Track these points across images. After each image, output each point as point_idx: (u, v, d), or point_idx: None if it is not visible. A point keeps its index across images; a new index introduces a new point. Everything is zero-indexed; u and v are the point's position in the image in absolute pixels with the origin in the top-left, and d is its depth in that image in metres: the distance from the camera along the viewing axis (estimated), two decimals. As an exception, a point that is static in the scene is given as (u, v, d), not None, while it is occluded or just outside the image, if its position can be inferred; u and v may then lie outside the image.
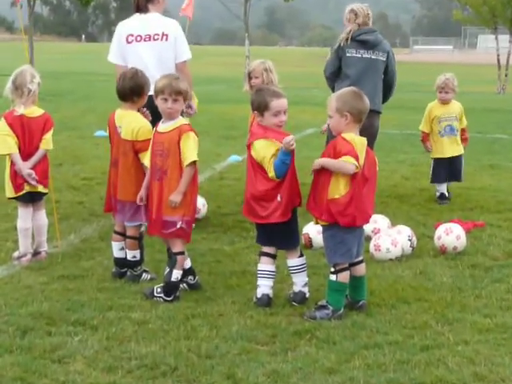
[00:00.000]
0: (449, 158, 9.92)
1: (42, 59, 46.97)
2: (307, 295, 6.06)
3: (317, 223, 5.92)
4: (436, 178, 10.02)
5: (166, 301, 6.00)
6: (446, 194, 9.88)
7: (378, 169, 5.91)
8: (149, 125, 6.40)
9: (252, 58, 39.54)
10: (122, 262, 6.62)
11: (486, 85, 40.26)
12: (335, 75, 9.22)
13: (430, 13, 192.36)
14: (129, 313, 5.74)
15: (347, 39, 9.03)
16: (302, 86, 31.52)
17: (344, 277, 5.77)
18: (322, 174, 5.68)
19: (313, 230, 7.62)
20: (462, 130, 10.06)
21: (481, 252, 7.55)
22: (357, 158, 5.57)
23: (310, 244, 7.65)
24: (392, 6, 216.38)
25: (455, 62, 73.44)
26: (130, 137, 6.36)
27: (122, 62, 7.92)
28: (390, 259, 7.21)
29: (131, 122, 6.39)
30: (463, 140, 10.07)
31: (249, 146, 5.91)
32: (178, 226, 6.02)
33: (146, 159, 6.21)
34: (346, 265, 5.77)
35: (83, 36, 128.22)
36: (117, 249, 6.66)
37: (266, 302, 5.95)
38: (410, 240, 7.44)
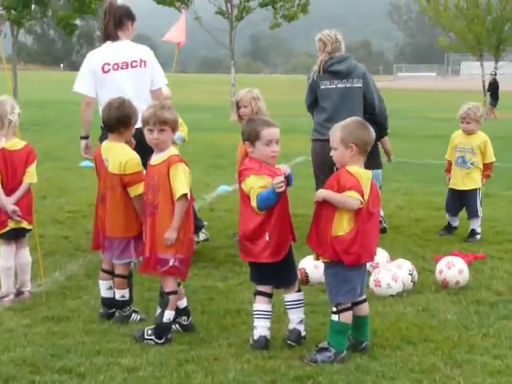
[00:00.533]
0: (460, 190, 9.47)
1: (26, 88, 46.72)
2: (303, 334, 5.74)
3: (317, 259, 5.61)
4: (447, 208, 9.68)
5: (157, 343, 5.66)
6: (454, 225, 9.53)
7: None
8: (137, 157, 6.08)
9: (238, 85, 39.43)
10: (110, 302, 6.27)
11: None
12: (312, 107, 9.09)
13: (413, 40, 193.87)
14: (118, 358, 5.39)
15: (319, 71, 8.84)
16: (289, 113, 31.33)
17: (347, 317, 5.44)
18: (325, 207, 5.37)
19: (309, 265, 7.31)
20: (485, 166, 9.44)
21: (484, 286, 7.24)
22: (362, 193, 5.28)
23: (306, 280, 7.33)
24: (375, 34, 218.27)
25: (439, 88, 73.80)
26: (118, 170, 6.04)
27: (93, 94, 7.72)
28: (391, 295, 6.90)
29: (118, 154, 6.07)
30: (484, 176, 9.47)
31: (240, 182, 5.60)
32: (171, 264, 5.70)
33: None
34: (349, 304, 5.45)
35: (61, 65, 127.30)
36: (104, 288, 6.32)
37: (264, 344, 5.62)
38: (410, 274, 7.14)
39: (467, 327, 6.09)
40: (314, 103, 9.04)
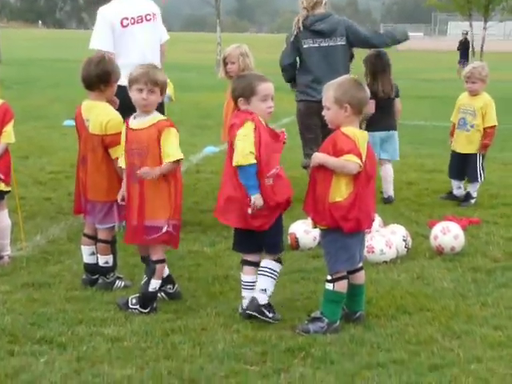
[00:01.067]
0: (461, 153, 9.12)
1: (9, 46, 45.96)
2: (262, 302, 5.29)
3: (315, 227, 5.34)
4: (449, 172, 9.36)
5: (142, 313, 5.41)
6: (455, 193, 9.22)
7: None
8: (119, 117, 5.75)
9: (223, 44, 38.89)
10: (92, 268, 6.01)
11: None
12: (293, 67, 8.78)
13: None
14: (101, 328, 5.14)
15: (299, 29, 8.55)
16: (276, 71, 30.85)
17: (342, 286, 5.19)
18: (322, 172, 5.08)
19: (300, 230, 7.08)
20: (484, 131, 8.98)
21: (480, 252, 7.02)
22: (360, 156, 5.00)
23: (296, 245, 7.09)
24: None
25: (426, 48, 73.26)
26: (99, 131, 5.73)
27: (113, 50, 7.39)
28: (385, 261, 6.67)
29: (99, 114, 5.76)
30: (482, 145, 9.01)
31: (233, 135, 5.26)
32: (164, 231, 5.41)
33: (121, 161, 5.57)
34: (345, 273, 5.20)
35: (40, 22, 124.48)
36: (87, 253, 6.05)
37: (252, 308, 5.33)
38: (404, 241, 6.91)
39: (464, 296, 5.87)
40: (294, 63, 8.76)
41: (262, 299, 5.28)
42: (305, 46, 8.59)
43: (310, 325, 5.16)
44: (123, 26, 7.46)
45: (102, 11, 7.56)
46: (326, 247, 5.25)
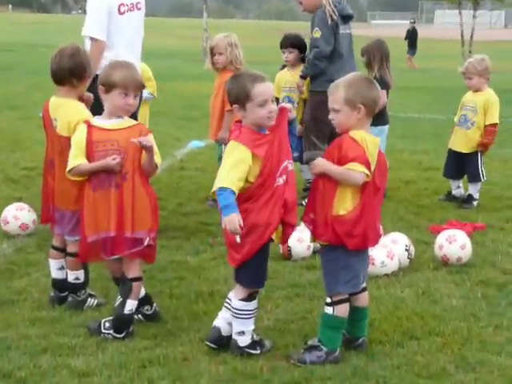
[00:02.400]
0: (460, 152, 8.52)
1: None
2: (241, 344, 4.61)
3: (314, 241, 4.73)
4: (445, 171, 8.75)
5: (116, 338, 4.78)
6: (454, 193, 8.62)
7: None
8: (90, 116, 5.08)
9: (210, 30, 38.17)
10: (61, 285, 5.36)
11: (449, 60, 39.31)
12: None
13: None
14: (68, 358, 4.51)
15: (334, 13, 7.91)
16: (262, 60, 30.23)
17: (343, 310, 4.57)
18: (325, 181, 4.46)
19: (292, 238, 6.43)
20: (485, 129, 8.37)
21: (488, 263, 6.43)
22: (368, 165, 4.37)
23: (289, 254, 6.48)
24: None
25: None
26: (67, 132, 5.06)
27: (106, 39, 6.73)
28: (386, 274, 6.07)
29: (68, 113, 5.09)
30: (482, 143, 8.40)
31: None
32: (146, 244, 4.80)
33: (76, 161, 4.87)
34: (346, 295, 4.58)
35: (10, 6, 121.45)
36: (55, 268, 5.41)
37: (213, 337, 4.70)
38: (407, 250, 6.30)
39: (476, 316, 5.27)
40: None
41: (242, 341, 4.62)
42: (341, 32, 8.00)
43: (307, 354, 4.55)
44: (120, 13, 6.78)
45: None
46: (326, 266, 4.63)
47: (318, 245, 6.42)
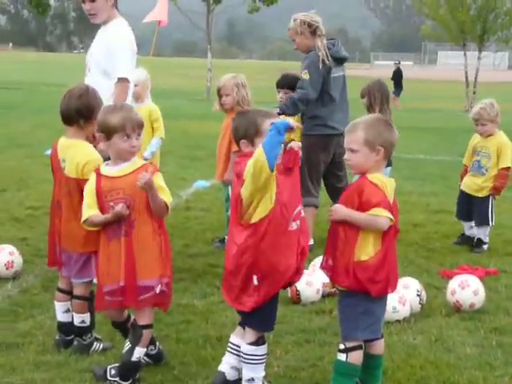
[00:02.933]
0: (471, 195, 8.43)
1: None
2: None
3: (333, 287, 4.62)
4: (457, 212, 8.66)
5: None
6: (468, 234, 8.49)
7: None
8: (99, 158, 4.98)
9: (214, 70, 38.36)
10: (67, 328, 5.25)
11: (453, 101, 39.43)
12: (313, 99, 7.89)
13: (390, 28, 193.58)
14: (74, 405, 4.39)
15: (327, 57, 7.86)
16: (268, 100, 30.26)
17: (357, 357, 4.44)
18: (346, 227, 4.36)
19: (301, 281, 6.29)
20: (499, 173, 8.26)
21: (502, 310, 6.30)
22: (390, 209, 4.29)
23: (298, 299, 6.36)
24: (351, 22, 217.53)
25: (417, 77, 72.99)
26: (75, 173, 4.99)
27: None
28: (397, 320, 5.94)
29: (77, 154, 5.01)
30: (494, 187, 8.31)
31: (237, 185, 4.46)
32: (158, 291, 4.67)
33: (88, 212, 4.75)
34: (361, 341, 4.45)
35: (10, 44, 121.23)
36: (61, 311, 5.29)
37: (218, 382, 4.61)
38: (419, 296, 6.18)
39: (491, 365, 5.14)
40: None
41: None
42: (333, 76, 7.93)
43: (319, 404, 4.43)
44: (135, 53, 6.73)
45: (127, 32, 6.65)
46: (345, 311, 4.48)
47: (327, 289, 6.36)
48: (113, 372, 4.70)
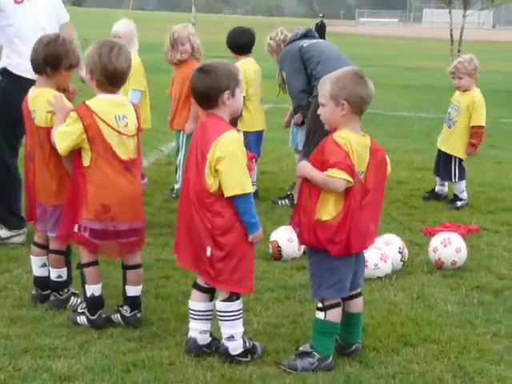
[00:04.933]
0: (441, 150, 8.49)
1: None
2: (232, 352, 4.41)
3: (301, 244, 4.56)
4: (434, 169, 8.70)
5: (89, 321, 4.79)
6: (436, 190, 8.53)
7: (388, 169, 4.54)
8: (69, 106, 4.86)
9: (198, 24, 37.95)
10: (43, 283, 5.16)
11: (438, 60, 39.22)
12: (307, 91, 7.78)
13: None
14: (49, 361, 4.32)
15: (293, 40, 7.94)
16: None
17: (335, 315, 4.39)
18: (309, 184, 4.29)
19: (282, 238, 6.29)
20: (472, 131, 8.23)
21: (483, 267, 6.27)
22: (350, 169, 4.17)
23: (279, 254, 6.30)
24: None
25: (402, 35, 72.67)
26: (45, 123, 4.87)
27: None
28: (379, 277, 5.89)
29: (46, 103, 4.87)
30: (469, 144, 8.25)
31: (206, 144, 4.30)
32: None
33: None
34: (338, 299, 4.39)
35: None
36: (37, 265, 5.19)
37: (192, 349, 4.48)
38: (400, 253, 6.13)
39: (472, 323, 5.10)
40: (307, 86, 7.79)
41: (233, 348, 4.42)
42: (305, 45, 7.83)
43: (298, 360, 4.37)
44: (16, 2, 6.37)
45: None
46: (311, 269, 4.45)
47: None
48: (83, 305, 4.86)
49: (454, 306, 5.39)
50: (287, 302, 5.37)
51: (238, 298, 4.43)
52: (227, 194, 4.21)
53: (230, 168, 4.18)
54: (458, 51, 36.25)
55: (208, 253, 4.29)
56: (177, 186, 8.04)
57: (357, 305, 4.53)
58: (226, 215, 4.26)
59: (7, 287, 5.42)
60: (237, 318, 4.44)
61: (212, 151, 4.20)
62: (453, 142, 8.32)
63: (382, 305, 5.35)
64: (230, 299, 4.39)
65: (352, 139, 4.23)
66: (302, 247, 6.31)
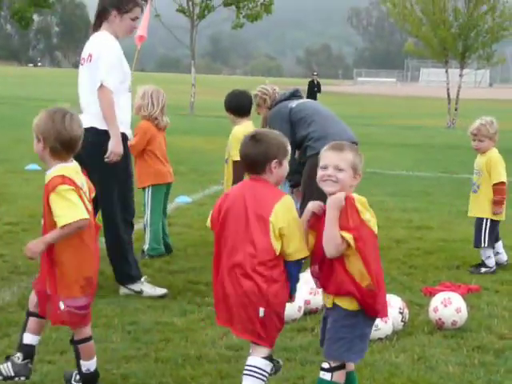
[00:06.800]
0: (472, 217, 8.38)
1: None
2: None
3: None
4: None
5: None
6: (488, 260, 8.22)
7: None
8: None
9: (198, 85, 38.41)
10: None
11: (435, 118, 39.62)
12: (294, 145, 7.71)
13: (372, 46, 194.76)
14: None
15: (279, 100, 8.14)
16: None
17: (340, 377, 4.35)
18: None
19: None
20: (494, 189, 8.08)
21: (484, 327, 6.24)
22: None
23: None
24: (335, 39, 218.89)
25: (400, 94, 73.43)
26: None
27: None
28: (379, 338, 5.87)
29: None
30: (493, 202, 8.07)
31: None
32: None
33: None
34: (344, 361, 4.38)
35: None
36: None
37: None
38: (401, 313, 6.11)
39: (474, 385, 5.08)
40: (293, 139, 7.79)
41: None
42: (294, 106, 7.96)
43: (301, 425, 4.34)
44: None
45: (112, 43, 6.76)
46: (341, 332, 4.32)
47: (309, 306, 6.29)
48: (77, 378, 4.74)
49: (455, 367, 5.36)
50: (288, 365, 5.33)
51: (272, 361, 4.51)
52: (296, 257, 4.35)
53: (296, 232, 4.33)
54: (455, 109, 36.68)
55: (261, 313, 4.34)
56: (146, 247, 8.15)
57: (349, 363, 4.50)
58: (283, 277, 4.40)
59: (6, 352, 5.38)
60: (265, 380, 4.43)
61: (275, 214, 4.31)
62: (480, 205, 8.19)
63: (383, 367, 5.32)
64: (269, 358, 4.45)
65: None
66: (303, 308, 6.31)
